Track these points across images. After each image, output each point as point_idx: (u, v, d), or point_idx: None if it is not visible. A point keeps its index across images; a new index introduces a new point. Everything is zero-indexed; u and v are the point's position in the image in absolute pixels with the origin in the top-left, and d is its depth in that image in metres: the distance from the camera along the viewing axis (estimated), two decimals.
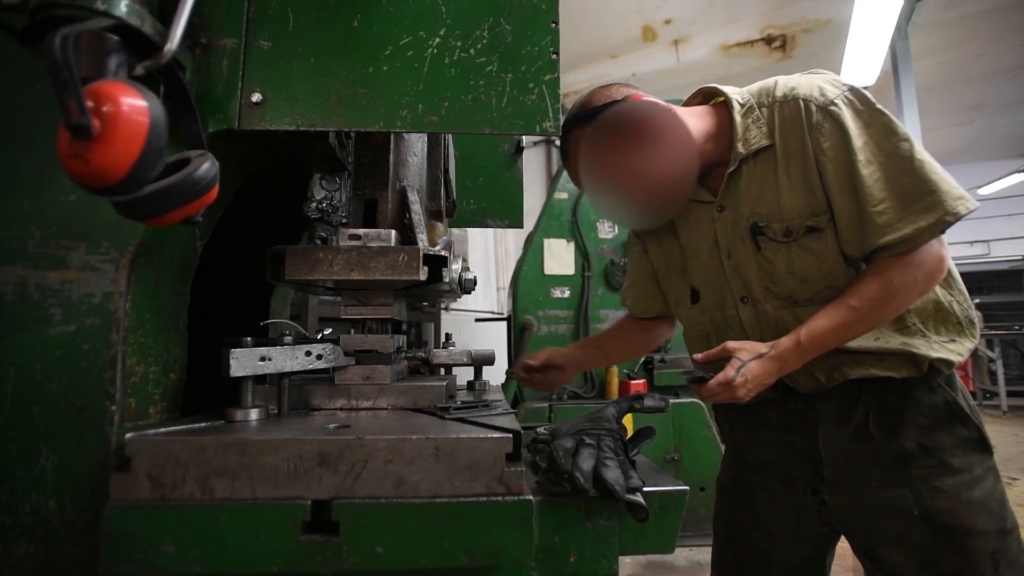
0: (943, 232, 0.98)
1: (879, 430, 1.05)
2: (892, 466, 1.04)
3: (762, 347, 1.02)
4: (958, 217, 0.95)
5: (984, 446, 1.04)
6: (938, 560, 0.99)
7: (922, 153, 0.99)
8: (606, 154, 1.09)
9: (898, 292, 0.98)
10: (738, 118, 1.11)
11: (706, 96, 1.22)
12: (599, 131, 1.09)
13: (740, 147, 1.10)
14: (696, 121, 1.14)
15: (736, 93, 1.15)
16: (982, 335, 8.08)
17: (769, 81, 1.14)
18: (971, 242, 11.02)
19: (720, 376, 0.99)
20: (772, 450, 1.19)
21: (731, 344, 1.03)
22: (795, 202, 1.06)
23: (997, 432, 6.06)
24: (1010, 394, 7.85)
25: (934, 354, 1.02)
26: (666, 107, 1.11)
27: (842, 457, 1.08)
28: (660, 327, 1.48)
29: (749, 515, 1.22)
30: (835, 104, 1.02)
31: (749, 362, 1.00)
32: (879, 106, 1.03)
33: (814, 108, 1.04)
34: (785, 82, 1.11)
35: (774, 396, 1.15)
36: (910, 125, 5.91)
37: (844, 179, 1.02)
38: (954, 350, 1.04)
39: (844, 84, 1.06)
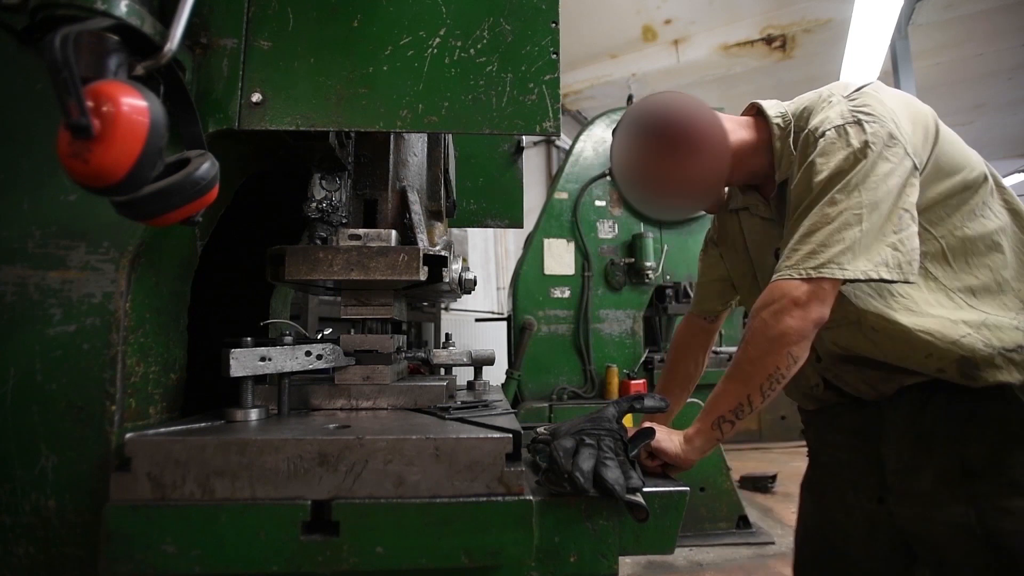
0: (807, 282, 0.91)
1: (945, 441, 1.00)
2: (957, 481, 0.99)
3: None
4: (810, 279, 0.91)
5: None
6: None
7: (862, 209, 0.91)
8: (645, 152, 1.09)
9: (746, 334, 0.97)
10: (777, 144, 1.11)
11: (758, 110, 1.20)
12: (636, 128, 1.10)
13: (777, 175, 1.12)
14: (741, 132, 1.15)
15: (778, 115, 1.12)
16: None
17: (816, 99, 1.08)
18: None
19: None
20: (842, 453, 1.18)
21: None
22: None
23: None
24: None
25: (995, 377, 0.96)
26: (698, 107, 1.09)
27: (906, 466, 1.05)
28: (716, 329, 1.48)
29: (824, 516, 1.22)
30: (823, 135, 0.99)
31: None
32: (872, 144, 0.94)
33: (811, 140, 1.01)
34: (821, 103, 1.06)
35: (846, 400, 1.15)
36: None
37: (801, 211, 0.99)
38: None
39: (854, 113, 0.98)
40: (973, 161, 1.04)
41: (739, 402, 0.95)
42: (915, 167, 0.95)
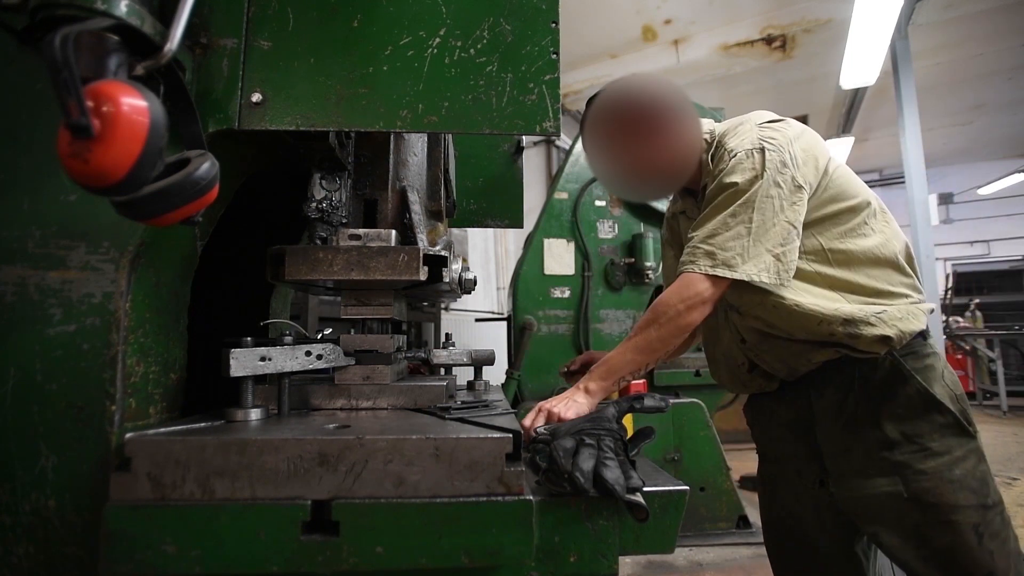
0: (708, 279, 1.11)
1: (865, 422, 1.16)
2: (880, 455, 1.14)
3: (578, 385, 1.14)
4: (709, 276, 1.10)
5: (963, 430, 1.13)
6: (930, 537, 1.09)
7: (752, 224, 1.10)
8: (626, 128, 1.17)
9: (659, 316, 1.12)
10: (704, 156, 1.26)
11: None
12: (619, 105, 1.18)
13: (702, 181, 1.26)
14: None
15: (707, 132, 1.29)
16: (982, 335, 8.07)
17: (737, 124, 1.26)
18: (971, 242, 11.01)
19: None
20: (786, 445, 1.29)
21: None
22: None
23: (997, 432, 6.02)
24: (1010, 394, 7.81)
25: (873, 332, 1.12)
26: (675, 89, 1.21)
27: (839, 449, 1.19)
28: None
29: (779, 506, 1.32)
30: (735, 155, 1.17)
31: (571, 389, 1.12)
32: (768, 169, 1.12)
33: (726, 157, 1.19)
34: (736, 127, 1.24)
35: (772, 388, 1.28)
36: (910, 125, 5.90)
37: (708, 211, 1.16)
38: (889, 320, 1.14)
39: (761, 141, 1.16)
40: (861, 192, 1.24)
41: (639, 367, 1.14)
42: (802, 189, 1.14)
